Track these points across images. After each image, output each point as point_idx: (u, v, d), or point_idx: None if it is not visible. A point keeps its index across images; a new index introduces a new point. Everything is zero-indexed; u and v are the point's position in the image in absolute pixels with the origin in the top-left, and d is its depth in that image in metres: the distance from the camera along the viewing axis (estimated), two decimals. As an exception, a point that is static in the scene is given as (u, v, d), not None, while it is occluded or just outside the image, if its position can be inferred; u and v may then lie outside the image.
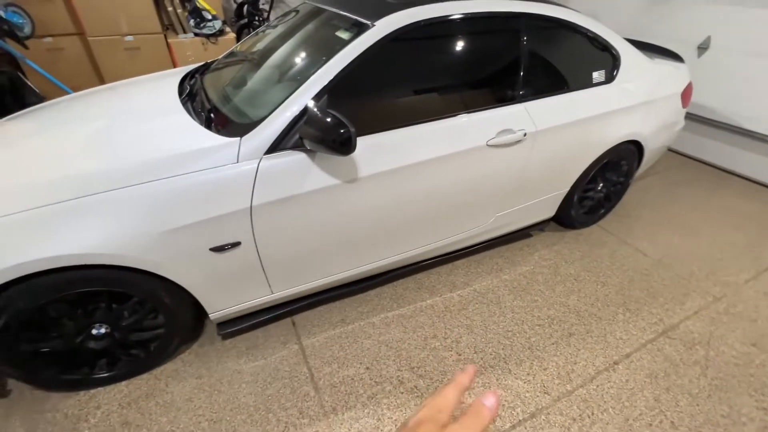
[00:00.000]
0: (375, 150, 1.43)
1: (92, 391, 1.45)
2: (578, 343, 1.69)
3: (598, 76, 1.92)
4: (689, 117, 3.24)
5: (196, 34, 3.44)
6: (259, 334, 1.69)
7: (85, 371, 1.41)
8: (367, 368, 1.57)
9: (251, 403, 1.43)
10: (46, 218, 1.11)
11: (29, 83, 2.55)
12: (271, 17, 4.77)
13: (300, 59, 1.57)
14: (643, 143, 2.16)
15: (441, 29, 1.55)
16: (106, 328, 1.36)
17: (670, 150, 3.46)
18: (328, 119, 1.23)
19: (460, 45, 1.60)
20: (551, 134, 1.78)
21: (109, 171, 1.20)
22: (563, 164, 1.94)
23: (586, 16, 1.89)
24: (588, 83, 1.90)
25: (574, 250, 2.24)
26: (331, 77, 1.35)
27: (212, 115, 1.47)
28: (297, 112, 1.31)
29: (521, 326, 1.76)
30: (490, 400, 0.36)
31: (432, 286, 1.96)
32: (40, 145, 1.38)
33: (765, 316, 1.86)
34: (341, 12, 1.61)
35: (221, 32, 3.54)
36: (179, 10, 3.35)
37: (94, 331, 1.34)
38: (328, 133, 1.22)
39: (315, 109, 1.28)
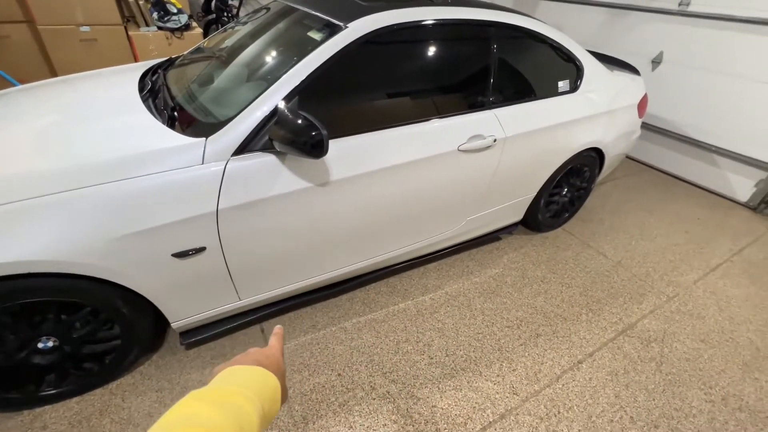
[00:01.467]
0: (346, 153, 1.42)
1: (38, 409, 1.33)
2: (545, 343, 1.74)
3: (563, 85, 2.00)
4: (645, 127, 3.44)
5: (159, 28, 3.29)
6: (225, 343, 1.62)
7: (29, 389, 1.29)
8: (339, 375, 1.54)
9: (216, 416, 1.36)
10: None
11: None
12: (241, 14, 4.65)
13: (270, 58, 1.53)
14: (604, 150, 2.26)
15: (414, 34, 1.55)
16: (54, 341, 1.25)
17: (627, 157, 3.66)
18: (300, 121, 1.20)
19: (432, 51, 1.62)
20: (520, 140, 1.84)
21: (61, 171, 1.11)
22: (531, 169, 2.00)
23: (553, 27, 1.97)
24: (554, 92, 1.97)
25: (541, 252, 2.31)
26: (303, 78, 1.32)
27: (176, 113, 1.40)
28: (267, 113, 1.27)
29: (491, 328, 1.80)
30: (278, 327, 0.61)
31: (404, 290, 1.96)
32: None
33: (711, 314, 1.99)
34: (313, 12, 1.58)
35: (187, 27, 3.40)
36: (141, 2, 3.18)
37: (40, 345, 1.24)
38: (299, 135, 1.19)
39: (286, 111, 1.25)
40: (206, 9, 4.40)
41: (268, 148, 1.29)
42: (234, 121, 1.26)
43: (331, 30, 1.42)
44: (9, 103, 1.54)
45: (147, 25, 3.29)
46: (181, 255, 1.24)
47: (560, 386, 1.57)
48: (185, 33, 3.39)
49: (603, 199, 2.92)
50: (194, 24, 3.53)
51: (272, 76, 1.36)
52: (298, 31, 1.55)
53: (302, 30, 1.54)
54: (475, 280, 2.06)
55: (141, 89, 1.62)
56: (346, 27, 1.41)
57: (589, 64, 2.09)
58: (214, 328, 1.54)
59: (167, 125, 1.33)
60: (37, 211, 1.05)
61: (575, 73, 2.05)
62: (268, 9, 1.91)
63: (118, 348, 1.37)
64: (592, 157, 2.28)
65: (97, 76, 1.80)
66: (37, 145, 1.23)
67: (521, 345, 1.73)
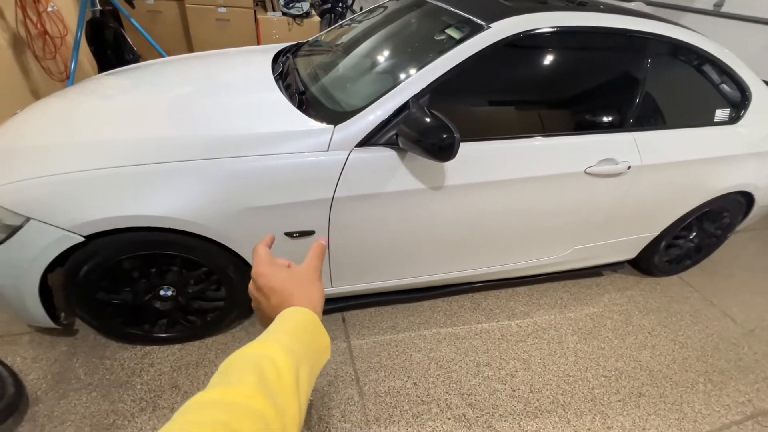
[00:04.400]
0: (466, 159, 1.34)
1: (148, 348, 1.48)
2: (649, 406, 1.52)
3: (721, 114, 1.70)
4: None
5: (283, 13, 3.50)
6: (308, 324, 1.66)
7: (146, 328, 1.44)
8: (415, 383, 1.49)
9: (294, 395, 1.40)
10: (138, 177, 1.12)
11: (129, 41, 2.68)
12: (355, 5, 4.79)
13: (402, 52, 1.51)
14: (755, 196, 1.90)
15: (560, 40, 1.42)
16: (173, 291, 1.37)
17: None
18: (431, 120, 1.16)
19: (575, 60, 1.47)
20: (657, 171, 1.60)
21: (201, 139, 1.20)
22: (661, 206, 1.75)
23: (720, 45, 1.68)
24: (709, 121, 1.69)
25: (650, 299, 2.03)
26: (437, 76, 1.27)
27: (306, 97, 1.44)
28: (396, 108, 1.24)
29: (584, 373, 1.61)
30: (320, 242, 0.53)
31: (489, 310, 1.84)
32: (138, 104, 1.41)
33: None
34: (453, 9, 1.52)
35: (307, 14, 3.57)
36: (273, -12, 3.41)
37: (161, 292, 1.36)
38: (428, 135, 1.15)
39: (417, 108, 1.21)
40: (324, -1, 4.59)
41: (391, 143, 1.27)
42: (363, 112, 1.26)
43: (472, 29, 1.35)
44: (159, 72, 1.71)
45: (274, 9, 3.51)
46: (292, 235, 1.28)
47: (665, 462, 1.35)
48: (305, 20, 3.57)
49: (736, 250, 2.48)
50: (314, 12, 3.70)
51: (404, 71, 1.33)
52: (434, 27, 1.50)
53: (439, 26, 1.48)
54: (569, 315, 1.87)
55: (273, 71, 1.70)
56: (489, 27, 1.32)
57: (760, 93, 1.75)
58: (302, 308, 1.58)
59: (298, 108, 1.37)
60: (179, 174, 1.14)
61: (740, 101, 1.73)
62: (386, 8, 1.89)
63: (221, 308, 1.46)
64: (738, 202, 1.93)
65: (233, 54, 1.94)
66: (184, 113, 1.34)
67: (619, 401, 1.52)
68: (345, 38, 1.85)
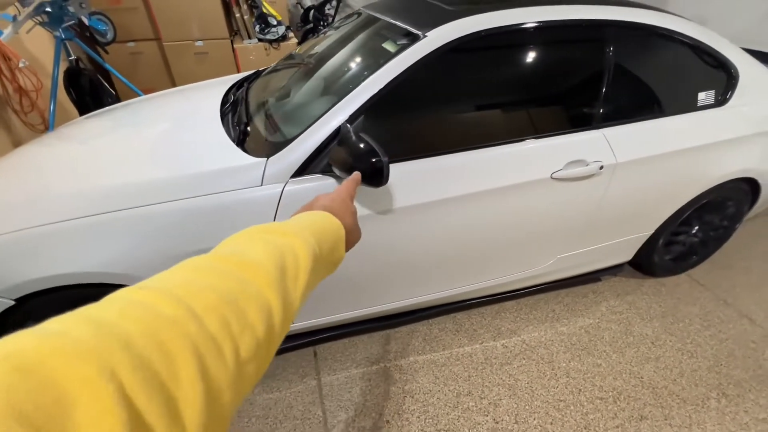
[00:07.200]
0: (418, 178, 1.25)
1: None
2: (652, 430, 1.36)
3: (705, 97, 1.55)
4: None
5: (260, 40, 3.51)
6: (278, 363, 1.59)
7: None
8: (387, 421, 1.39)
9: (258, 443, 1.33)
10: (66, 233, 1.08)
11: (106, 85, 2.74)
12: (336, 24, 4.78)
13: (342, 73, 1.44)
14: (760, 182, 1.71)
15: (506, 40, 1.32)
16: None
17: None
18: (361, 145, 1.08)
19: (528, 59, 1.36)
20: (636, 168, 1.46)
21: (132, 187, 1.16)
22: (648, 204, 1.59)
23: (695, 23, 1.53)
24: (691, 106, 1.53)
25: (654, 304, 1.85)
26: (370, 95, 1.19)
27: (245, 130, 1.39)
28: (328, 134, 1.17)
29: (577, 396, 1.46)
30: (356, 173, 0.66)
31: (473, 330, 1.72)
32: (75, 155, 1.39)
33: None
34: (392, 21, 1.45)
35: (284, 38, 3.57)
36: (246, 16, 3.43)
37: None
38: (358, 160, 1.07)
39: (347, 132, 1.13)
40: (304, 19, 4.61)
41: (328, 170, 1.19)
42: (295, 141, 1.19)
43: (408, 40, 1.27)
44: (112, 117, 1.69)
45: (249, 37, 3.53)
46: (236, 277, 1.22)
47: (671, 498, 1.19)
48: (282, 44, 3.57)
49: (751, 240, 2.26)
50: (291, 35, 3.70)
51: (341, 93, 1.26)
52: (375, 43, 1.43)
53: (379, 41, 1.41)
54: (561, 330, 1.72)
55: (225, 102, 1.67)
56: (425, 36, 1.24)
57: (747, 69, 1.59)
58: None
59: (237, 142, 1.32)
60: (110, 225, 1.10)
61: (725, 81, 1.57)
62: (359, 14, 1.83)
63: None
64: (742, 190, 1.74)
65: (194, 90, 1.93)
66: (117, 162, 1.30)
67: (617, 427, 1.37)
68: (295, 62, 1.80)
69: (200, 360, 0.25)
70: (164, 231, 1.12)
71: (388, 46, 1.31)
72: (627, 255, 1.84)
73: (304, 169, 1.18)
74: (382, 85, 1.20)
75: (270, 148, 1.23)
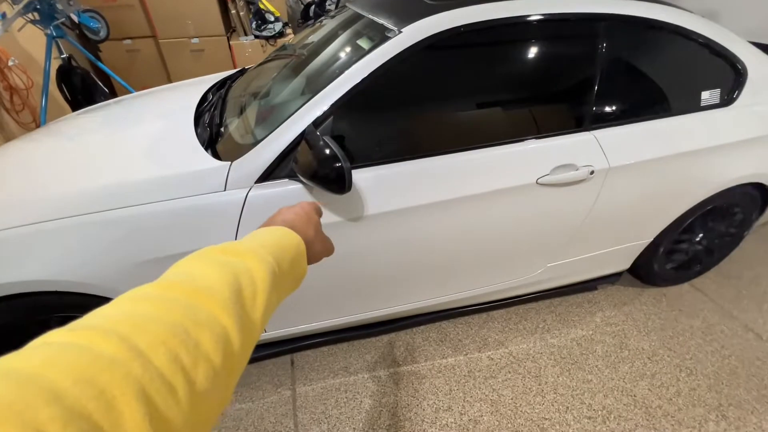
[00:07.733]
0: (395, 182, 1.19)
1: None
2: (642, 454, 1.27)
3: (709, 96, 1.44)
4: None
5: (256, 36, 3.46)
6: (253, 370, 1.54)
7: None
8: (361, 437, 1.33)
9: (226, 456, 1.28)
10: (21, 240, 1.04)
11: (99, 83, 2.72)
12: (337, 18, 4.72)
13: (318, 72, 1.37)
14: (770, 187, 1.60)
15: (490, 36, 1.23)
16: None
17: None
18: (327, 150, 1.01)
19: (512, 56, 1.28)
20: (631, 172, 1.36)
21: (91, 192, 1.11)
22: (645, 210, 1.49)
23: (699, 17, 1.42)
24: (693, 106, 1.42)
25: (653, 315, 1.75)
26: (339, 95, 1.12)
27: (217, 132, 1.34)
28: (294, 137, 1.11)
29: (564, 415, 1.38)
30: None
31: (458, 341, 1.65)
32: (46, 157, 1.36)
33: None
34: (370, 16, 1.37)
35: (281, 34, 3.52)
36: (242, 13, 3.38)
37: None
38: (322, 165, 1.00)
39: (311, 136, 1.06)
40: (305, 16, 4.55)
41: (294, 175, 1.13)
42: (260, 144, 1.13)
43: (383, 36, 1.19)
44: (92, 118, 1.66)
45: (246, 34, 3.49)
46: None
47: None
48: (279, 40, 3.51)
49: (761, 248, 2.12)
50: (288, 31, 3.64)
51: (313, 93, 1.20)
52: (352, 40, 1.36)
53: (356, 38, 1.34)
54: (551, 341, 1.64)
55: (203, 102, 1.62)
56: (400, 32, 1.16)
57: (757, 65, 1.47)
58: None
59: (206, 145, 1.27)
60: (67, 231, 1.06)
61: (732, 78, 1.46)
62: (323, 24, 1.76)
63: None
64: (750, 196, 1.63)
65: (173, 89, 1.88)
66: (83, 165, 1.25)
67: (605, 449, 1.28)
68: (277, 61, 1.74)
69: (148, 403, 0.23)
70: (124, 237, 1.08)
71: (363, 43, 1.24)
72: (624, 263, 1.74)
73: (270, 173, 1.13)
74: (352, 85, 1.13)
75: (240, 151, 1.17)
